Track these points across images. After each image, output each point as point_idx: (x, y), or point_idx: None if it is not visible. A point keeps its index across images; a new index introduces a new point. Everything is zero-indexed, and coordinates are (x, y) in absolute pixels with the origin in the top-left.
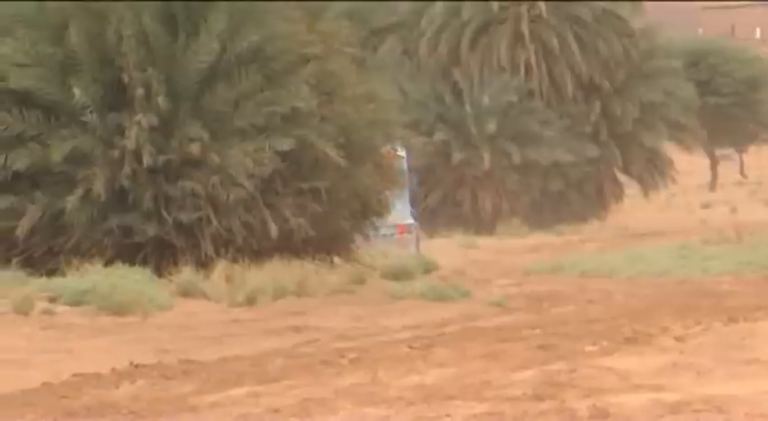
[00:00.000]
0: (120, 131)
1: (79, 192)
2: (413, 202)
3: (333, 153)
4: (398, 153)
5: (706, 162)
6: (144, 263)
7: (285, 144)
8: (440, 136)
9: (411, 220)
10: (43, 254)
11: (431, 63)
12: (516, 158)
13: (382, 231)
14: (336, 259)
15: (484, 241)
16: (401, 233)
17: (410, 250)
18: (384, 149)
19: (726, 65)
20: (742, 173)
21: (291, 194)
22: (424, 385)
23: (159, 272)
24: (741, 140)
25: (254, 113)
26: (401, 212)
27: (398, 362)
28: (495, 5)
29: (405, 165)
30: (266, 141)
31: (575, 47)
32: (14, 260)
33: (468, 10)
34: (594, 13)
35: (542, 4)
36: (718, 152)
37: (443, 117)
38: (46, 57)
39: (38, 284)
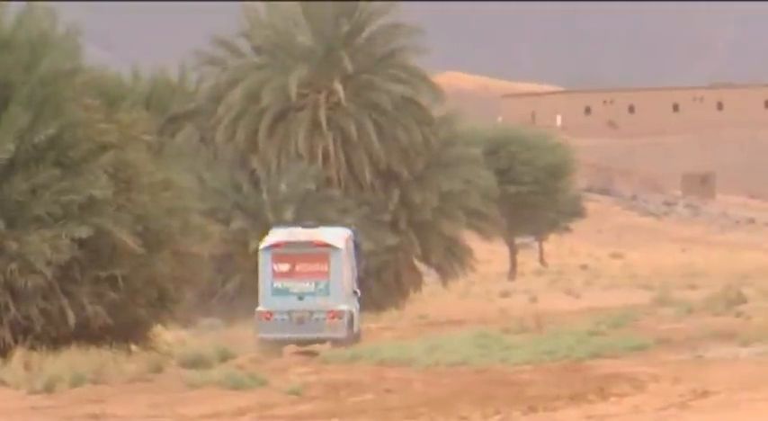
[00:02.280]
0: None
1: None
2: (359, 284)
3: (129, 240)
4: (345, 235)
5: (505, 250)
6: None
7: (82, 232)
8: (237, 224)
9: (343, 306)
10: None
11: (228, 150)
12: None
13: (315, 316)
14: (134, 347)
15: None
16: (332, 318)
17: (340, 333)
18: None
19: (526, 152)
20: (542, 261)
21: (89, 282)
22: None
23: None
24: (541, 228)
25: (52, 202)
26: (334, 297)
27: None
28: (293, 92)
29: (352, 247)
30: (63, 229)
31: (373, 134)
32: None
33: (266, 97)
34: (394, 101)
35: (341, 92)
36: (518, 240)
37: (241, 205)
38: None
39: None
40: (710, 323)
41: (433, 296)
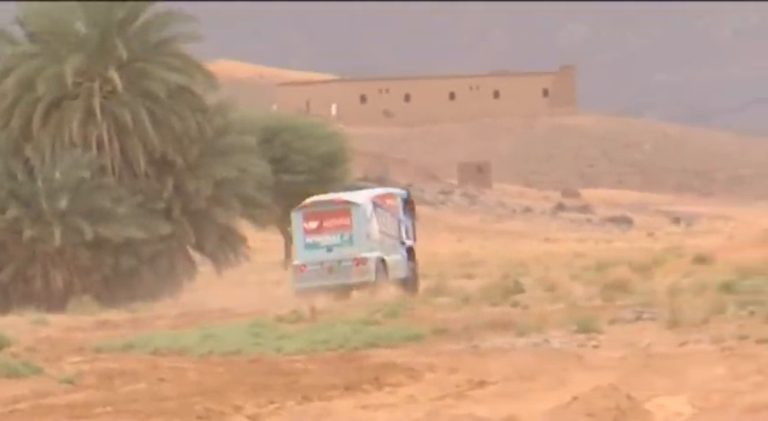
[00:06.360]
0: None
1: None
2: (411, 236)
3: None
4: (398, 192)
5: (280, 239)
6: None
7: None
8: (12, 212)
9: (367, 254)
10: None
11: (2, 139)
12: (88, 235)
13: (342, 264)
14: None
15: (55, 318)
16: (357, 265)
17: (367, 278)
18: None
19: (300, 141)
20: None
21: None
22: None
23: None
24: None
25: None
26: (357, 247)
27: None
28: (69, 81)
29: (399, 204)
30: None
31: (148, 122)
32: None
33: (40, 85)
34: (168, 89)
35: (116, 80)
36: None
37: (15, 193)
38: None
39: None
40: (487, 313)
41: (208, 285)
